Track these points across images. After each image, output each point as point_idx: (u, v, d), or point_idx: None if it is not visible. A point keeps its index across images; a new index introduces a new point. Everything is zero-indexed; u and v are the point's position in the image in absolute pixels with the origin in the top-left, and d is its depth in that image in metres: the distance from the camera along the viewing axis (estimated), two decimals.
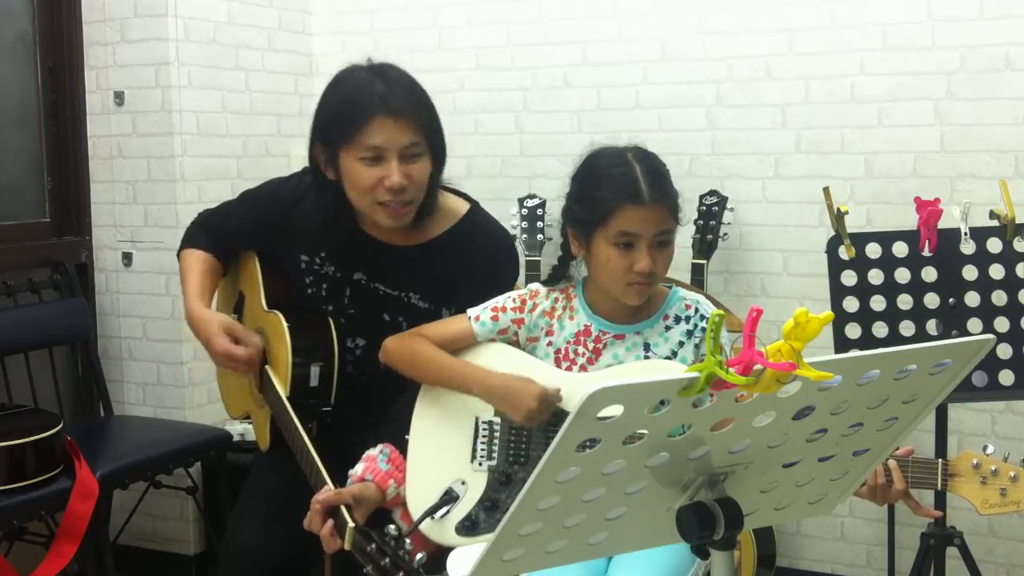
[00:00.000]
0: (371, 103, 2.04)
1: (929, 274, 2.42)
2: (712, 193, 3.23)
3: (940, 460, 1.74)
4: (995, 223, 2.41)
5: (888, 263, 2.43)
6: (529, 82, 3.61)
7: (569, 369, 1.99)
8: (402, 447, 2.02)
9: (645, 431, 1.09)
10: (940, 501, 2.47)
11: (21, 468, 2.70)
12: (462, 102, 3.68)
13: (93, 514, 2.78)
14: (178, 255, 2.45)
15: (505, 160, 3.66)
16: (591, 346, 1.98)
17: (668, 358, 1.95)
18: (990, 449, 1.73)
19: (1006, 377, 2.37)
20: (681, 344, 1.97)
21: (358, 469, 1.97)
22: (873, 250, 2.45)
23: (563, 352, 2.00)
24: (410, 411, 2.06)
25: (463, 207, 2.25)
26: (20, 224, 3.39)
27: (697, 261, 3.15)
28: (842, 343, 2.41)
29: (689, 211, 3.08)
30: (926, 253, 2.41)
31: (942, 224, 2.40)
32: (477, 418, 1.99)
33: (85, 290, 3.47)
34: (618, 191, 1.88)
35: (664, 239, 1.91)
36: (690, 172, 3.34)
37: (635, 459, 1.12)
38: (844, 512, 3.28)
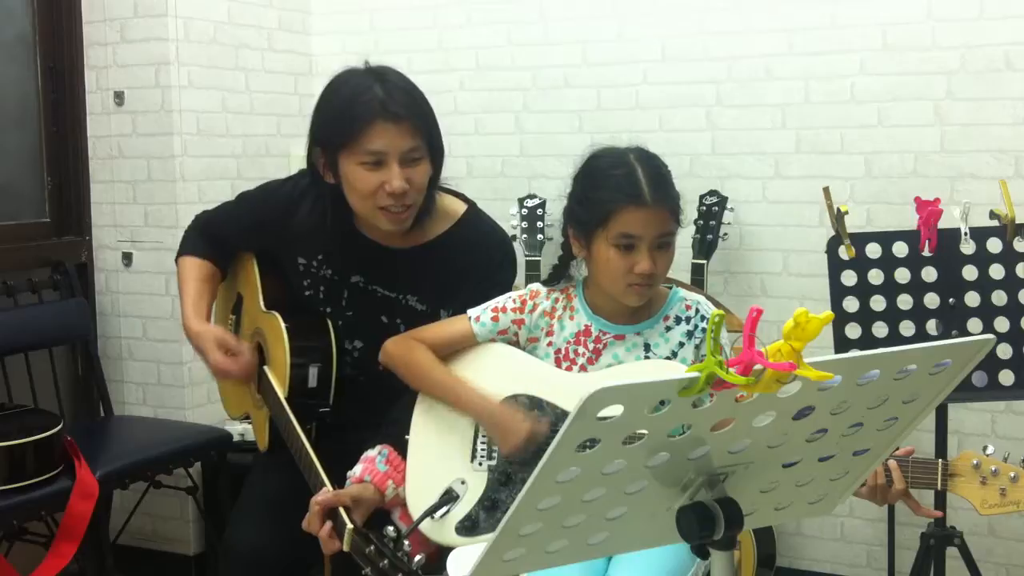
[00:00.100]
0: (371, 108, 2.03)
1: (929, 274, 2.42)
2: (712, 193, 3.24)
3: (940, 460, 1.74)
4: (995, 223, 2.40)
5: (888, 263, 2.43)
6: (529, 82, 3.61)
7: (569, 369, 1.99)
8: (402, 448, 2.02)
9: (645, 431, 1.09)
10: (940, 501, 2.47)
11: (21, 468, 2.70)
12: (462, 102, 3.68)
13: (93, 514, 2.78)
14: (176, 260, 2.45)
15: (505, 160, 3.66)
16: (591, 346, 1.98)
17: (668, 358, 1.95)
18: (990, 449, 1.74)
19: (1006, 377, 2.37)
20: (681, 344, 1.97)
21: (356, 470, 1.97)
22: (873, 250, 2.44)
23: (563, 352, 2.00)
24: (409, 412, 2.06)
25: (460, 208, 2.25)
26: (20, 224, 3.39)
27: (697, 261, 3.15)
28: (842, 343, 2.41)
29: (689, 211, 3.07)
30: (926, 253, 2.41)
31: (942, 224, 2.40)
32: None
33: (85, 290, 3.47)
34: (620, 192, 1.88)
35: (665, 241, 1.90)
36: (690, 172, 3.34)
37: (635, 459, 1.12)
38: (844, 512, 3.28)
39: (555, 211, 3.25)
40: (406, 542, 1.67)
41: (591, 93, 3.52)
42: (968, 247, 2.41)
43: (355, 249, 2.22)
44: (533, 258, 3.31)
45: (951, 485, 1.74)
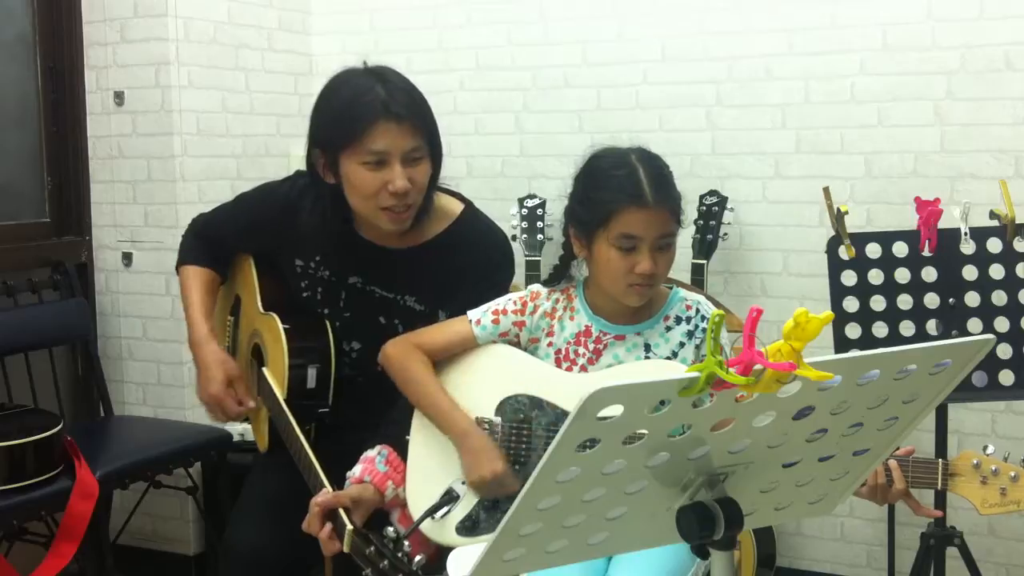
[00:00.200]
0: (373, 108, 2.03)
1: (929, 274, 2.42)
2: (712, 193, 3.23)
3: (940, 460, 1.74)
4: (995, 223, 2.40)
5: (888, 263, 2.43)
6: (529, 82, 3.61)
7: (569, 369, 1.99)
8: (402, 448, 2.02)
9: (645, 431, 1.09)
10: (940, 501, 2.47)
11: (21, 468, 2.70)
12: (462, 102, 3.68)
13: (93, 514, 2.78)
14: (176, 268, 2.44)
15: (505, 160, 3.66)
16: (592, 347, 1.98)
17: (669, 358, 1.95)
18: (990, 449, 1.74)
19: (1006, 377, 2.37)
20: (682, 345, 1.97)
21: (356, 471, 1.97)
22: (873, 250, 2.44)
23: (564, 352, 2.00)
24: (408, 413, 2.06)
25: (457, 207, 2.25)
26: (20, 224, 3.39)
27: (697, 261, 3.15)
28: (842, 343, 2.41)
29: (689, 211, 3.07)
30: (926, 253, 2.41)
31: (942, 224, 2.40)
32: (477, 418, 1.99)
33: (85, 290, 3.47)
34: (621, 193, 1.88)
35: (666, 242, 1.90)
36: (690, 172, 3.34)
37: (635, 459, 1.12)
38: (844, 512, 3.28)
39: (555, 211, 3.25)
40: (406, 542, 1.67)
41: (591, 93, 3.52)
42: (968, 247, 2.41)
43: (353, 250, 2.22)
44: (533, 258, 3.30)
45: (951, 485, 1.74)
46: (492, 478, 1.88)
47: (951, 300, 2.40)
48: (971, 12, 3.03)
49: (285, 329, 2.22)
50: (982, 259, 2.40)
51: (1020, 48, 2.99)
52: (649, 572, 1.82)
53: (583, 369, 1.98)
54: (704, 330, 1.96)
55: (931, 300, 2.41)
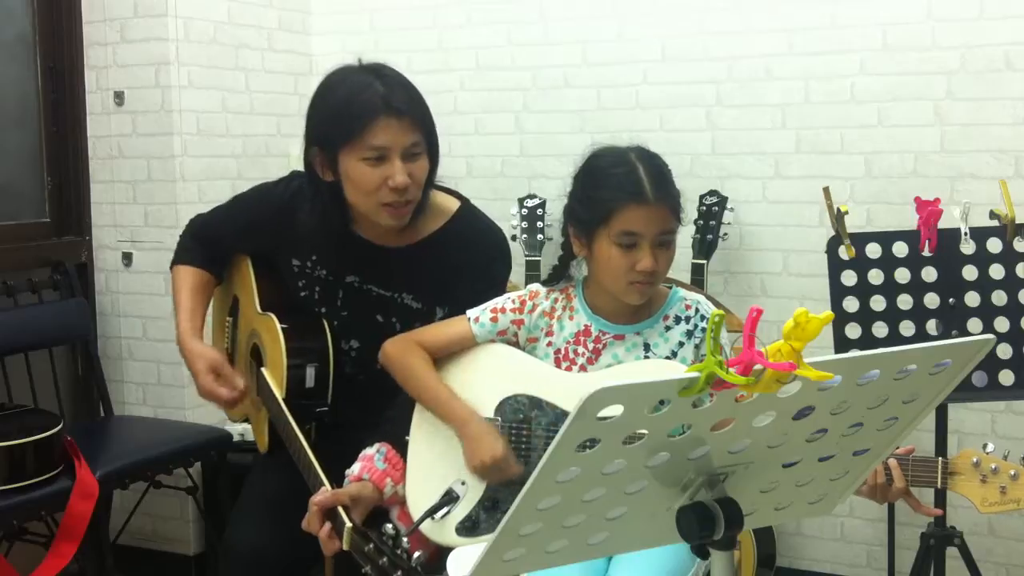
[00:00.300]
0: (373, 104, 2.04)
1: (929, 274, 2.42)
2: (712, 193, 3.23)
3: (940, 458, 1.74)
4: (995, 223, 2.40)
5: (888, 263, 2.43)
6: (529, 82, 3.61)
7: (569, 369, 1.99)
8: (401, 447, 2.02)
9: (645, 431, 1.09)
10: (940, 500, 2.47)
11: (21, 468, 2.70)
12: (462, 102, 3.68)
13: (93, 514, 2.78)
14: (171, 267, 2.45)
15: (505, 160, 3.66)
16: (591, 346, 1.98)
17: (668, 358, 1.95)
18: (990, 447, 1.73)
19: (1006, 377, 2.37)
20: (681, 344, 1.97)
21: (355, 468, 1.97)
22: (873, 250, 2.44)
23: (563, 352, 2.00)
24: (407, 411, 2.06)
25: (453, 204, 2.25)
26: (20, 224, 3.39)
27: (697, 261, 3.15)
28: (842, 343, 2.41)
29: (689, 211, 3.07)
30: (926, 253, 2.41)
31: (942, 224, 2.40)
32: None
33: (85, 290, 3.47)
34: (621, 191, 1.88)
35: (666, 239, 1.91)
36: (690, 172, 3.34)
37: (635, 459, 1.12)
38: (844, 512, 3.28)
39: (555, 211, 3.25)
40: (405, 539, 1.67)
41: (591, 93, 3.52)
42: (968, 247, 2.41)
43: (349, 249, 2.22)
44: (533, 258, 3.30)
45: (951, 483, 1.74)
46: (492, 462, 1.88)
47: (951, 300, 2.40)
48: (971, 12, 3.03)
49: (283, 329, 2.22)
50: (982, 259, 2.40)
51: (1020, 48, 2.99)
52: (649, 572, 1.82)
53: (582, 369, 1.98)
54: (703, 330, 1.96)
55: (931, 300, 2.41)
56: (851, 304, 2.42)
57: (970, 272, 2.41)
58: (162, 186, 3.43)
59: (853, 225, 2.50)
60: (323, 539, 1.85)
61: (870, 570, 3.28)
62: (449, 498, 1.93)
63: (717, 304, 2.21)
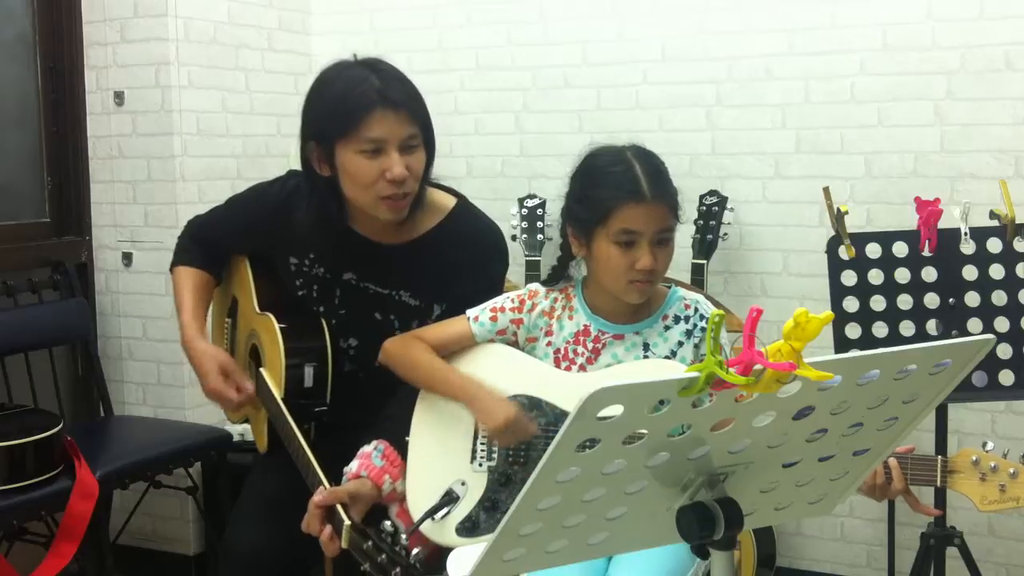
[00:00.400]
0: (370, 96, 2.04)
1: (929, 274, 2.42)
2: (712, 193, 3.23)
3: (939, 457, 1.74)
4: (995, 223, 2.40)
5: (888, 263, 2.43)
6: (529, 82, 3.61)
7: (568, 369, 1.99)
8: (401, 448, 2.02)
9: (645, 431, 1.09)
10: (940, 500, 2.47)
11: (21, 468, 2.70)
12: (462, 102, 3.68)
13: (93, 514, 2.78)
14: (171, 269, 2.45)
15: (505, 160, 3.66)
16: (590, 346, 1.98)
17: (667, 358, 1.95)
18: (989, 446, 1.73)
19: (1006, 377, 2.37)
20: (680, 344, 1.97)
21: (353, 466, 1.97)
22: (873, 250, 2.44)
23: (562, 352, 2.00)
24: (406, 410, 2.06)
25: (450, 202, 2.25)
26: (20, 224, 3.39)
27: (697, 261, 3.15)
28: (842, 343, 2.41)
29: (689, 211, 3.07)
30: (926, 253, 2.41)
31: (942, 224, 2.40)
32: (477, 419, 1.99)
33: (85, 290, 3.47)
34: (619, 189, 1.88)
35: (665, 237, 1.91)
36: (690, 172, 3.34)
37: (635, 459, 1.12)
38: (844, 512, 3.28)
39: (555, 211, 3.23)
40: (403, 536, 1.67)
41: (591, 93, 3.52)
42: (968, 247, 2.41)
43: (346, 246, 2.22)
44: (533, 258, 3.31)
45: (950, 482, 1.74)
46: (506, 423, 1.88)
47: (951, 300, 2.40)
48: (971, 12, 3.03)
49: (281, 329, 2.22)
50: (982, 259, 2.40)
51: (1020, 48, 2.99)
52: (649, 572, 1.82)
53: (581, 369, 1.98)
54: (703, 329, 1.96)
55: (931, 300, 2.41)
56: (851, 304, 2.42)
57: (970, 272, 2.41)
58: (162, 186, 3.43)
59: (853, 225, 2.50)
60: (324, 541, 1.85)
61: (870, 570, 3.28)
62: (449, 498, 1.93)
63: (717, 304, 2.21)
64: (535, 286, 2.08)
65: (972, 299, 2.40)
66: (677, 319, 1.98)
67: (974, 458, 1.71)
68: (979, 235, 2.41)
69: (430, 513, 1.91)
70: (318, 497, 1.88)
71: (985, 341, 1.18)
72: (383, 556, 1.65)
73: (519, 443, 1.92)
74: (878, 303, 2.42)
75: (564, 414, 1.90)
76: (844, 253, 2.43)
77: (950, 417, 2.54)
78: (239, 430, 3.31)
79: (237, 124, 3.60)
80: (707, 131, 3.37)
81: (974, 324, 2.40)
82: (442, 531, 1.91)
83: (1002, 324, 2.39)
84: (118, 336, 3.56)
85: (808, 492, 1.31)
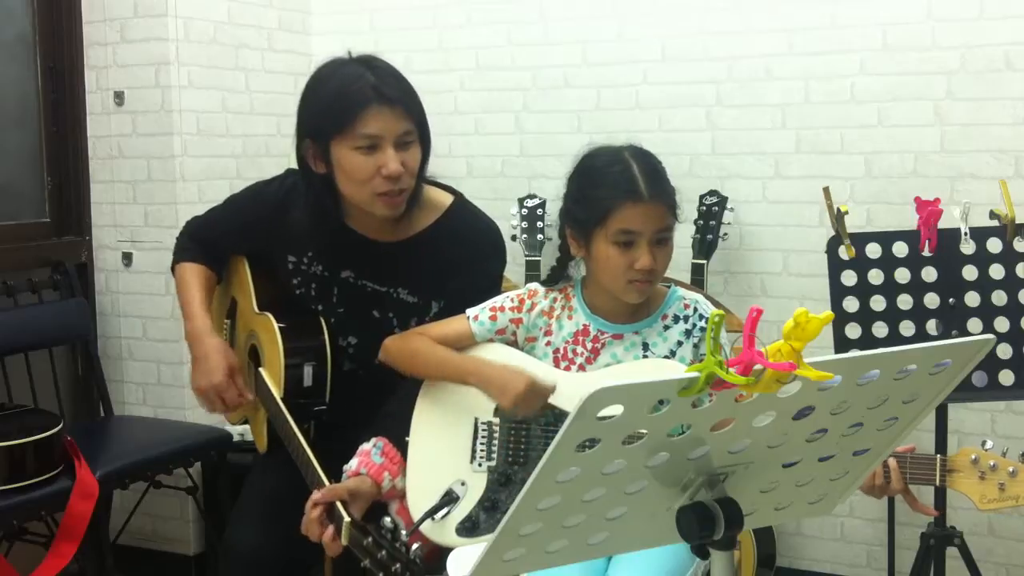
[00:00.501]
0: (365, 93, 2.04)
1: (929, 274, 2.42)
2: (712, 193, 3.23)
3: (939, 456, 1.74)
4: (995, 223, 2.40)
5: (888, 263, 2.43)
6: (529, 82, 3.61)
7: (567, 369, 1.99)
8: (401, 448, 2.02)
9: (645, 431, 1.09)
10: (940, 500, 2.47)
11: (21, 468, 2.70)
12: (462, 102, 3.68)
13: (93, 514, 2.78)
14: (172, 268, 2.45)
15: (505, 160, 3.66)
16: (589, 346, 1.98)
17: (667, 357, 1.95)
18: (988, 444, 1.73)
19: (1006, 377, 2.37)
20: (679, 343, 1.97)
21: (352, 463, 1.97)
22: (873, 250, 2.44)
23: (562, 352, 2.00)
24: (406, 407, 2.06)
25: (447, 199, 2.25)
26: (20, 224, 3.39)
27: (697, 261, 3.15)
28: (842, 343, 2.41)
29: (689, 211, 3.08)
30: (926, 253, 2.41)
31: (942, 224, 2.40)
32: (476, 419, 1.99)
33: (85, 290, 3.47)
34: (617, 190, 1.88)
35: (664, 236, 1.91)
36: (690, 172, 3.34)
37: (635, 459, 1.12)
38: (844, 512, 3.28)
39: (555, 211, 3.23)
40: (403, 532, 1.67)
41: (591, 93, 3.52)
42: (968, 247, 2.41)
43: (344, 244, 2.22)
44: (533, 258, 3.31)
45: (950, 481, 1.74)
46: (525, 394, 1.87)
47: (951, 300, 2.40)
48: (971, 12, 3.03)
49: (280, 328, 2.22)
50: (982, 259, 2.40)
51: (1020, 48, 2.99)
52: (649, 572, 1.82)
53: (581, 368, 1.98)
54: (702, 329, 1.96)
55: (931, 300, 2.41)
56: (851, 304, 2.42)
57: (970, 272, 2.41)
58: (162, 186, 3.43)
59: (853, 225, 2.50)
60: (326, 543, 1.84)
61: (870, 570, 3.28)
62: (449, 498, 1.93)
63: (717, 304, 2.21)
64: (534, 286, 2.08)
65: (972, 299, 2.40)
66: (676, 319, 1.98)
67: (973, 457, 1.71)
68: (979, 235, 2.41)
69: (430, 513, 1.91)
70: (317, 494, 1.88)
71: (985, 341, 1.18)
72: (383, 552, 1.65)
73: (540, 411, 1.90)
74: (878, 303, 2.42)
75: (563, 414, 1.90)
76: (844, 253, 2.43)
77: (950, 417, 2.54)
78: (239, 430, 3.30)
79: (237, 124, 3.60)
80: (707, 131, 3.37)
81: (974, 324, 2.40)
82: (442, 531, 1.91)
83: (1002, 324, 2.39)
84: (118, 336, 3.56)
85: (808, 492, 1.31)
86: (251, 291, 2.36)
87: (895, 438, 1.27)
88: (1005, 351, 2.37)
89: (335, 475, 1.96)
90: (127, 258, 3.52)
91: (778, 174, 3.30)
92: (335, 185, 2.12)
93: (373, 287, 2.23)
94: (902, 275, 2.42)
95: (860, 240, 2.44)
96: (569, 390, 1.91)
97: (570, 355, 1.99)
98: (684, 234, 3.04)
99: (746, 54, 3.30)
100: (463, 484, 1.94)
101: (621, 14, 3.46)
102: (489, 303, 2.06)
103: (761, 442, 1.16)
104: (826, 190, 2.48)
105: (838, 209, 2.42)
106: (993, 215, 2.41)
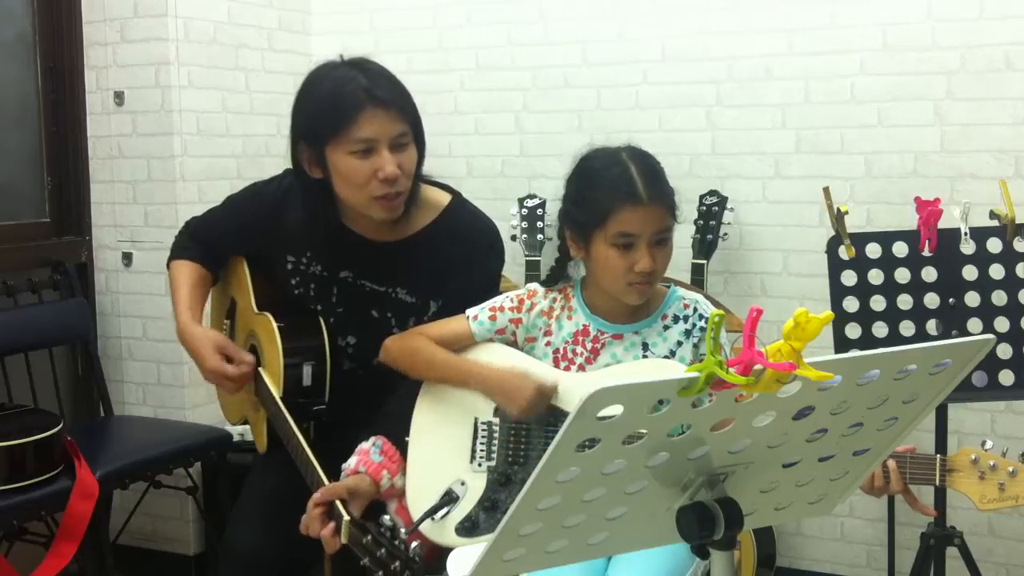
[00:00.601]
0: (358, 96, 2.04)
1: (929, 274, 2.42)
2: (712, 193, 3.23)
3: (939, 456, 1.74)
4: (995, 223, 2.40)
5: (888, 263, 2.43)
6: (529, 82, 3.61)
7: (567, 369, 1.99)
8: (401, 448, 2.02)
9: (645, 431, 1.09)
10: (940, 500, 2.47)
11: (21, 468, 2.70)
12: (462, 102, 3.68)
13: (93, 514, 2.78)
14: (167, 264, 2.45)
15: (505, 160, 3.66)
16: (589, 346, 1.98)
17: (666, 357, 1.95)
18: (988, 444, 1.73)
19: (1006, 377, 2.37)
20: (679, 343, 1.97)
21: (351, 462, 1.98)
22: (873, 250, 2.44)
23: (561, 352, 2.00)
24: (405, 407, 2.06)
25: (445, 198, 2.25)
26: (20, 224, 3.39)
27: (697, 261, 3.15)
28: (842, 343, 2.41)
29: (689, 211, 3.08)
30: (926, 253, 2.41)
31: (942, 224, 2.40)
32: (476, 419, 1.99)
33: (85, 290, 3.47)
34: (615, 192, 1.88)
35: (663, 237, 1.91)
36: (690, 172, 3.34)
37: (635, 459, 1.12)
38: (844, 512, 3.28)
39: (555, 211, 3.23)
40: (402, 530, 1.67)
41: (591, 93, 3.52)
42: (968, 247, 2.41)
43: (342, 245, 2.22)
44: (533, 258, 3.31)
45: (950, 481, 1.74)
46: (533, 401, 1.88)
47: (951, 300, 2.40)
48: (971, 12, 3.03)
49: (279, 328, 2.22)
50: (982, 259, 2.40)
51: (1020, 48, 2.99)
52: (649, 572, 1.82)
53: (580, 368, 1.98)
54: (702, 329, 1.96)
55: (931, 300, 2.41)
56: (851, 304, 2.42)
57: (970, 272, 2.41)
58: (162, 186, 3.43)
59: (853, 225, 2.50)
60: (326, 538, 1.85)
61: (870, 570, 3.28)
62: (449, 498, 1.93)
63: (717, 304, 2.21)
64: (534, 286, 2.08)
65: (972, 299, 2.40)
66: (676, 319, 1.98)
67: (973, 457, 1.72)
68: (979, 235, 2.41)
69: (430, 513, 1.91)
70: (317, 495, 1.88)
71: (985, 341, 1.18)
72: (382, 550, 1.65)
73: (545, 415, 1.91)
74: (878, 303, 2.42)
75: (564, 414, 1.90)
76: (844, 253, 2.43)
77: (950, 417, 2.54)
78: (239, 430, 3.30)
79: (237, 124, 3.60)
80: (707, 131, 3.37)
81: (974, 324, 2.40)
82: (442, 531, 1.91)
83: (1002, 324, 2.39)
84: (118, 336, 3.56)
85: (808, 492, 1.31)
86: (250, 291, 2.36)
87: (895, 438, 1.27)
88: (1005, 351, 2.37)
89: (335, 475, 1.96)
90: (127, 258, 3.52)
91: (778, 174, 3.30)
92: (331, 189, 2.12)
93: (372, 287, 2.23)
94: (902, 275, 2.42)
95: (860, 240, 2.44)
96: (569, 390, 1.92)
97: (570, 355, 1.99)
98: (684, 234, 3.04)
99: (746, 54, 3.30)
100: (463, 484, 1.94)
101: (621, 14, 3.46)
102: (489, 303, 2.06)
103: (761, 442, 1.16)
104: (826, 190, 2.48)
105: (838, 209, 2.41)
106: (993, 215, 2.40)
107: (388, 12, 3.79)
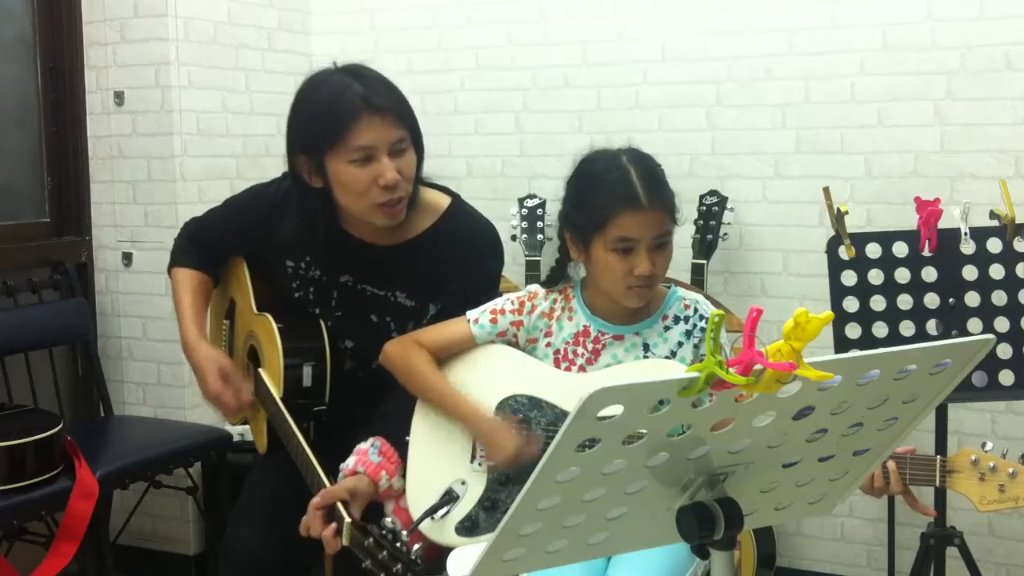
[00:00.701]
0: (354, 104, 2.02)
1: (929, 274, 2.42)
2: (712, 193, 3.23)
3: (939, 457, 1.74)
4: (995, 223, 2.40)
5: (888, 263, 2.43)
6: (529, 82, 3.61)
7: (568, 370, 1.99)
8: (402, 448, 2.02)
9: (645, 431, 1.09)
10: (940, 500, 2.47)
11: (21, 468, 2.70)
12: (462, 102, 3.68)
13: (93, 514, 2.78)
14: (168, 270, 2.45)
15: (505, 160, 3.66)
16: (590, 347, 1.98)
17: (667, 358, 1.95)
18: (988, 446, 1.73)
19: (1006, 377, 2.37)
20: (680, 344, 1.97)
21: (350, 462, 1.98)
22: (873, 250, 2.44)
23: (562, 353, 2.00)
24: (405, 408, 2.06)
25: (444, 201, 2.24)
26: (20, 224, 3.39)
27: (697, 261, 3.15)
28: (842, 343, 2.41)
29: (689, 211, 3.08)
30: (926, 253, 2.41)
31: (942, 224, 2.40)
32: None
33: (85, 290, 3.47)
34: (615, 197, 1.88)
35: (663, 241, 1.90)
36: (690, 172, 3.34)
37: (635, 459, 1.12)
38: (844, 512, 3.28)
39: (555, 211, 3.23)
40: (403, 532, 1.67)
41: (591, 93, 3.52)
42: (968, 247, 2.41)
43: (342, 249, 2.21)
44: (533, 258, 3.31)
45: (950, 481, 1.74)
46: (516, 452, 1.89)
47: (951, 300, 2.40)
48: (971, 12, 3.03)
49: (279, 329, 2.22)
50: (982, 259, 2.40)
51: (1020, 48, 2.99)
52: (649, 572, 1.82)
53: (581, 369, 1.98)
54: (702, 329, 1.96)
55: (931, 300, 2.41)
56: (851, 304, 2.42)
57: (970, 272, 2.41)
58: (162, 186, 3.44)
59: (853, 225, 2.50)
60: (327, 539, 1.85)
61: (870, 570, 3.28)
62: (449, 498, 1.93)
63: (717, 304, 2.21)
64: (534, 287, 2.08)
65: (972, 299, 2.40)
66: (677, 319, 1.98)
67: (973, 458, 1.72)
68: (979, 235, 2.41)
69: (430, 512, 1.91)
70: (317, 498, 1.88)
71: (985, 341, 1.18)
72: (384, 553, 1.65)
73: (524, 464, 1.91)
74: (878, 303, 2.42)
75: (564, 414, 1.90)
76: (844, 253, 2.43)
77: (950, 417, 2.54)
78: (239, 430, 3.31)
79: (237, 124, 3.60)
80: (707, 131, 3.37)
81: (974, 324, 2.40)
82: (441, 531, 1.91)
83: (1002, 324, 2.39)
84: (118, 336, 3.56)
85: (808, 492, 1.31)
86: (250, 292, 2.36)
87: (895, 438, 1.27)
88: (1005, 351, 2.37)
89: (335, 475, 1.96)
90: (127, 258, 3.52)
91: (778, 174, 3.30)
92: (332, 198, 2.11)
93: (372, 291, 2.23)
94: (902, 275, 2.42)
95: (860, 240, 2.44)
96: (570, 390, 1.92)
97: (571, 356, 1.99)
98: (684, 234, 3.04)
99: (746, 54, 3.30)
100: (463, 483, 1.94)
101: (621, 14, 3.46)
102: (489, 305, 2.06)
103: (761, 442, 1.16)
104: (826, 190, 2.48)
105: (838, 209, 2.41)
106: (993, 215, 2.40)
107: (388, 12, 3.78)
